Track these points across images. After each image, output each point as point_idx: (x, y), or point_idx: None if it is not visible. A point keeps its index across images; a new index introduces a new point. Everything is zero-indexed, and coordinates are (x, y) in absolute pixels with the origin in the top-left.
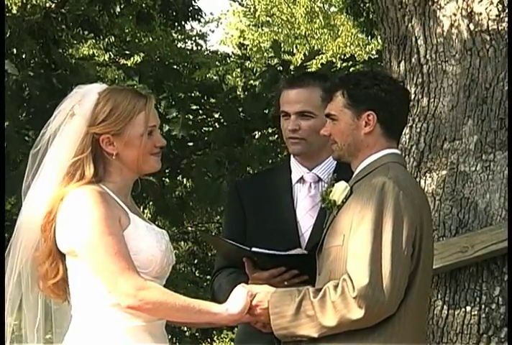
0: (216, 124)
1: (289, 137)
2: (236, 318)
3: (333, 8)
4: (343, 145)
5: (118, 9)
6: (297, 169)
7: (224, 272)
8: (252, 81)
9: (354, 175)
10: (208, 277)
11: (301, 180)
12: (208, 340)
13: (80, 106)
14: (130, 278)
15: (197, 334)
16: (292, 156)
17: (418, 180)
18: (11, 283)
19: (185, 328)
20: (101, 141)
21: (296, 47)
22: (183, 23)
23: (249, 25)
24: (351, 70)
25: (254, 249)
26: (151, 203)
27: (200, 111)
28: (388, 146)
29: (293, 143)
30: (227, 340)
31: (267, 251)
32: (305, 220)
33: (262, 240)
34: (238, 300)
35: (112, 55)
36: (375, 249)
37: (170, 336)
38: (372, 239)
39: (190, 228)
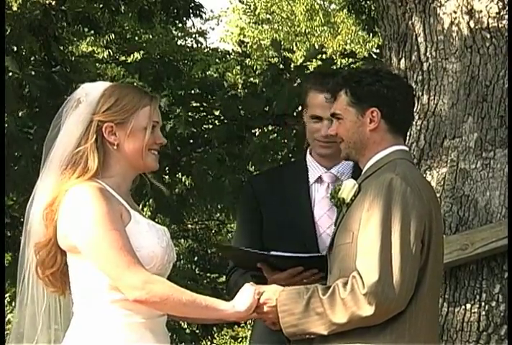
0: (216, 122)
1: (320, 140)
2: (243, 315)
3: (333, 6)
4: (349, 143)
5: (123, 8)
6: (314, 169)
7: (240, 269)
8: (252, 79)
9: (362, 173)
10: (208, 274)
11: (319, 179)
12: (209, 337)
13: (86, 96)
14: (137, 272)
15: (197, 331)
16: (309, 154)
17: None
18: (26, 278)
19: (186, 325)
20: (103, 130)
21: (296, 44)
22: (183, 20)
23: (249, 23)
24: (351, 67)
25: (272, 253)
26: (151, 200)
27: (201, 109)
28: (395, 143)
29: (323, 146)
30: (227, 337)
31: (286, 254)
32: (323, 221)
33: (280, 241)
34: (245, 297)
35: (112, 53)
36: (384, 246)
37: (170, 333)
38: (380, 236)
39: (190, 226)
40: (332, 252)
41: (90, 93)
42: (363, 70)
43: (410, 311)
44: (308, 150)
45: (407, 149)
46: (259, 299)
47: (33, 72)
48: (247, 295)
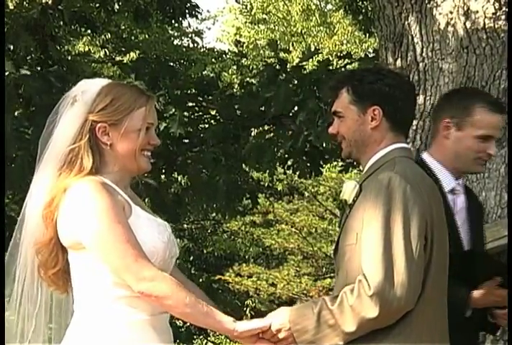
0: (212, 121)
1: (484, 159)
2: (237, 335)
3: (329, 6)
4: (350, 141)
5: (116, 6)
6: (446, 178)
7: None
8: (248, 78)
9: (363, 173)
10: (204, 273)
11: (452, 190)
12: (204, 335)
13: (82, 93)
14: (144, 265)
15: (193, 331)
16: (436, 162)
17: None
18: (21, 277)
19: (181, 323)
20: (96, 130)
21: (292, 44)
22: (180, 20)
23: (245, 22)
24: (347, 68)
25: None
26: (147, 199)
27: (197, 108)
28: (396, 141)
29: (483, 164)
30: (223, 337)
31: None
32: (462, 231)
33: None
34: (252, 323)
35: (108, 52)
36: (387, 246)
37: None
38: (383, 236)
39: (186, 226)
40: (338, 254)
41: (86, 90)
42: (365, 69)
43: (417, 309)
44: (428, 156)
45: (407, 146)
46: (270, 327)
47: (28, 72)
48: (254, 321)
